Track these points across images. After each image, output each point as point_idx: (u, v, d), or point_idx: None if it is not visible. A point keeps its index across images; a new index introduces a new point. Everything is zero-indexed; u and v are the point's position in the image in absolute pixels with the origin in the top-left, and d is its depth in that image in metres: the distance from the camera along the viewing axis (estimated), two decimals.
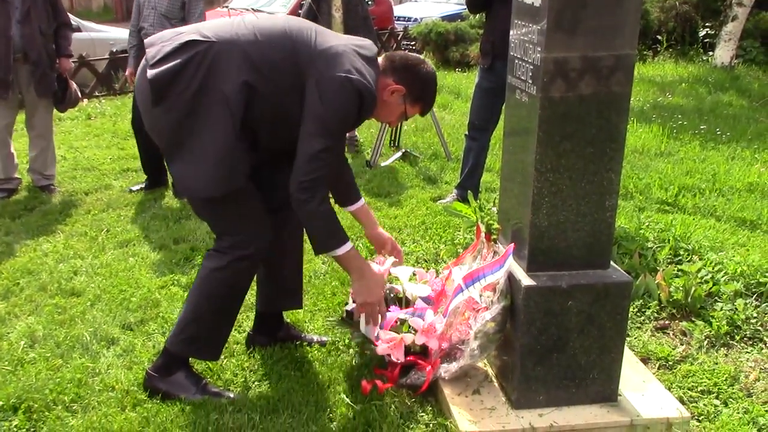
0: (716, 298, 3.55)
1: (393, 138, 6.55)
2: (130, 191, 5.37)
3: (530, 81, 2.52)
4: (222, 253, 2.68)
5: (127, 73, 5.62)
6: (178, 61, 2.45)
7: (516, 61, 2.67)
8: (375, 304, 2.72)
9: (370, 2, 6.70)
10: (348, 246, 2.62)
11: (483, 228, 2.87)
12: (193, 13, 5.08)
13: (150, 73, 2.46)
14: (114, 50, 9.76)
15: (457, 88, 9.37)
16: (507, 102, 2.81)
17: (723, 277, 3.69)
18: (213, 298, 2.70)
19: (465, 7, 5.14)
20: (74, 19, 9.81)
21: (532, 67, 2.50)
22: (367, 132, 7.00)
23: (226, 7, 12.78)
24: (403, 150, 6.29)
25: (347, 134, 6.36)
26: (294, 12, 12.15)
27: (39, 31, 5.16)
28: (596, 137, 2.50)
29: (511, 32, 2.71)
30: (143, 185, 5.44)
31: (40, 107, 5.36)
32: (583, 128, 2.48)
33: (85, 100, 9.18)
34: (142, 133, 5.26)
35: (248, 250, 2.65)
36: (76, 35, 9.48)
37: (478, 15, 10.90)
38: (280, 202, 2.80)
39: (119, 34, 10.29)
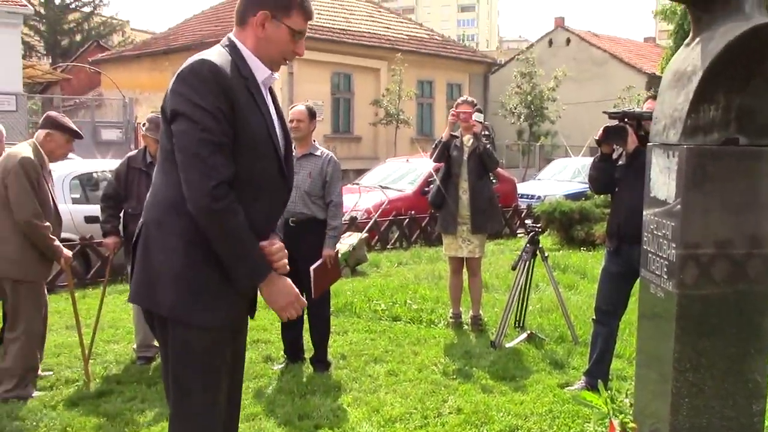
0: None
1: (518, 318, 6.49)
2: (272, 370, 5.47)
3: (665, 276, 2.50)
4: None
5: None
6: None
7: (649, 255, 2.66)
8: (293, 303, 2.53)
9: (494, 180, 6.91)
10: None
11: (617, 426, 2.75)
12: (333, 190, 5.37)
13: None
14: None
15: (583, 268, 9.28)
16: (641, 295, 2.77)
17: None
18: None
19: (589, 186, 5.22)
20: None
21: (666, 262, 2.49)
22: (492, 311, 6.98)
23: (357, 184, 13.46)
24: (529, 332, 6.21)
25: (452, 305, 6.30)
26: (421, 190, 12.64)
27: None
28: (738, 336, 2.42)
29: (644, 225, 2.73)
30: (283, 365, 5.53)
31: None
32: (724, 327, 2.41)
33: None
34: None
35: None
36: None
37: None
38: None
39: None
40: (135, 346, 5.69)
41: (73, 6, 40.72)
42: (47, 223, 4.71)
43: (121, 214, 5.60)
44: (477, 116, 6.36)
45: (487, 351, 5.80)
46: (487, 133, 6.53)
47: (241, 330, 2.75)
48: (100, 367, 5.44)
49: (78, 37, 40.27)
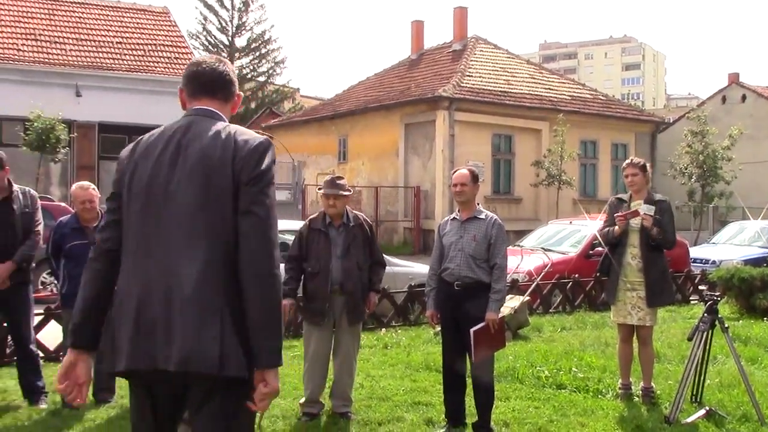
0: None
1: (695, 393, 6.06)
2: None
3: None
4: None
5: (428, 314, 5.69)
6: None
7: None
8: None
9: None
10: None
11: None
12: (498, 253, 5.30)
13: None
14: (412, 284, 10.44)
15: (767, 341, 8.56)
16: None
17: None
18: None
19: None
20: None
21: None
22: (664, 384, 6.57)
23: (519, 246, 13.29)
24: (707, 408, 5.76)
25: None
26: (584, 253, 12.27)
27: (357, 266, 5.74)
28: None
29: None
30: (444, 429, 5.43)
31: (349, 335, 5.81)
32: None
33: (383, 329, 9.79)
34: (452, 372, 5.43)
35: None
36: None
37: None
38: None
39: (419, 269, 11.06)
40: (302, 401, 5.82)
41: (249, 77, 43.77)
42: None
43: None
44: (645, 208, 6.07)
45: (660, 426, 5.44)
46: (658, 217, 6.17)
47: None
48: (267, 420, 5.61)
49: (252, 105, 43.14)
